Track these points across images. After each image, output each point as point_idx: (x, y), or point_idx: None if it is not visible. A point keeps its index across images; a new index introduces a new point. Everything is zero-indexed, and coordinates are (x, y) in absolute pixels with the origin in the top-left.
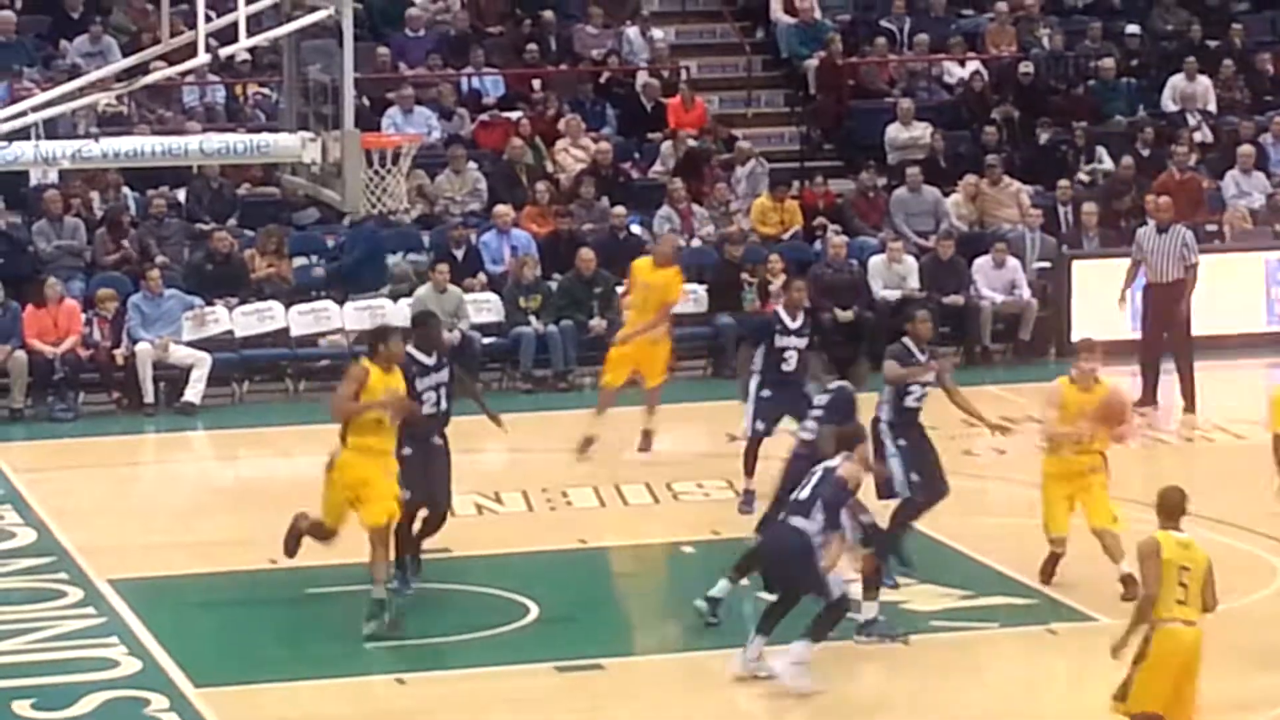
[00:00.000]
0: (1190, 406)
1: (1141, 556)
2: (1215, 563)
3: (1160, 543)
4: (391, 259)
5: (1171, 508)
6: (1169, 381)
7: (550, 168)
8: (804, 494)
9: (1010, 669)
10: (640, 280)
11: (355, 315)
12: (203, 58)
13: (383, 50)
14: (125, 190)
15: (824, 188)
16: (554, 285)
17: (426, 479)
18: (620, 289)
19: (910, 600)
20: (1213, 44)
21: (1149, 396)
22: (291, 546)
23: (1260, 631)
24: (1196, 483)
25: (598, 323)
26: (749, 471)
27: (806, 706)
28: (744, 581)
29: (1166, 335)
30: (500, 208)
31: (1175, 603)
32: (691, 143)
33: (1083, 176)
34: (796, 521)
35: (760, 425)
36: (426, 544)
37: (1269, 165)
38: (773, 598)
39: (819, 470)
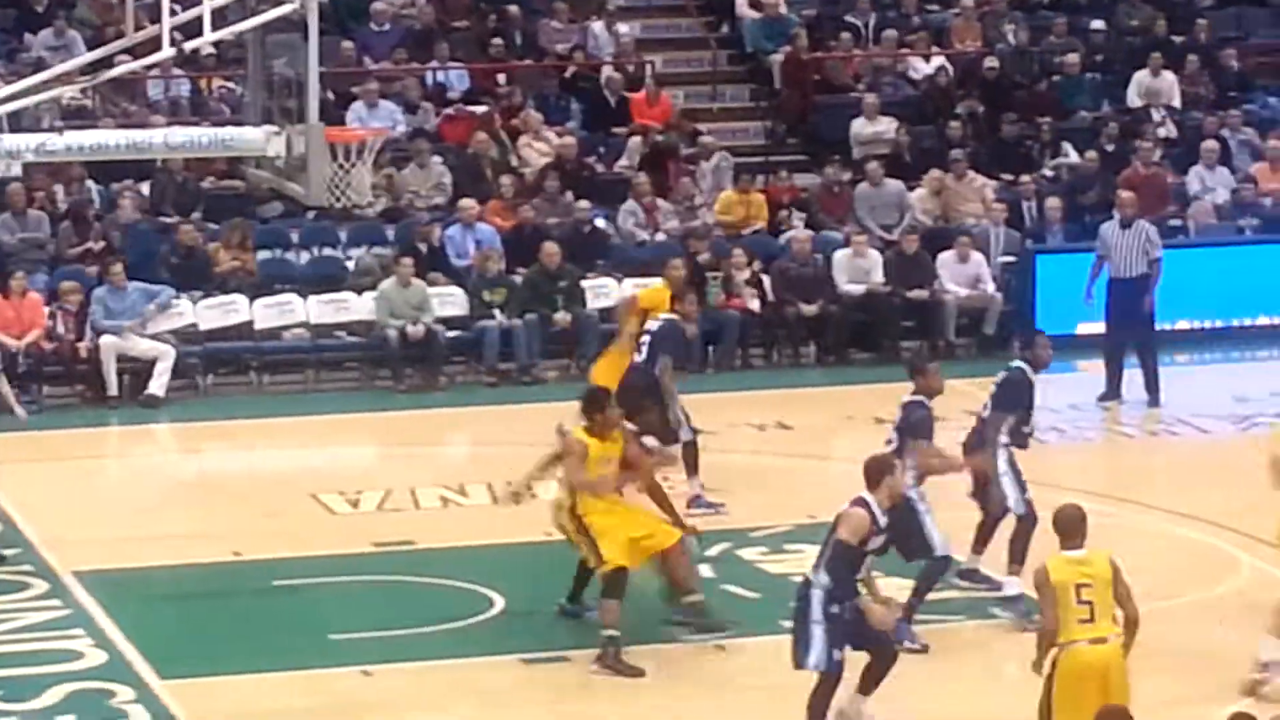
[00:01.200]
0: (1154, 401)
1: (1035, 586)
2: (1177, 557)
3: (1047, 568)
4: (356, 253)
5: (1067, 526)
6: (1133, 376)
7: (515, 162)
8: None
9: (976, 661)
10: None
11: (319, 308)
12: (167, 52)
13: (347, 44)
14: (89, 183)
15: (789, 182)
16: (518, 279)
17: None
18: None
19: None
20: (1177, 39)
21: (1113, 390)
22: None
23: (1220, 625)
24: (1160, 477)
25: (562, 316)
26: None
27: (769, 698)
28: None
29: (1130, 330)
30: (465, 201)
31: (1077, 623)
32: (657, 138)
33: (1047, 171)
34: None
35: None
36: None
37: (1233, 161)
38: None
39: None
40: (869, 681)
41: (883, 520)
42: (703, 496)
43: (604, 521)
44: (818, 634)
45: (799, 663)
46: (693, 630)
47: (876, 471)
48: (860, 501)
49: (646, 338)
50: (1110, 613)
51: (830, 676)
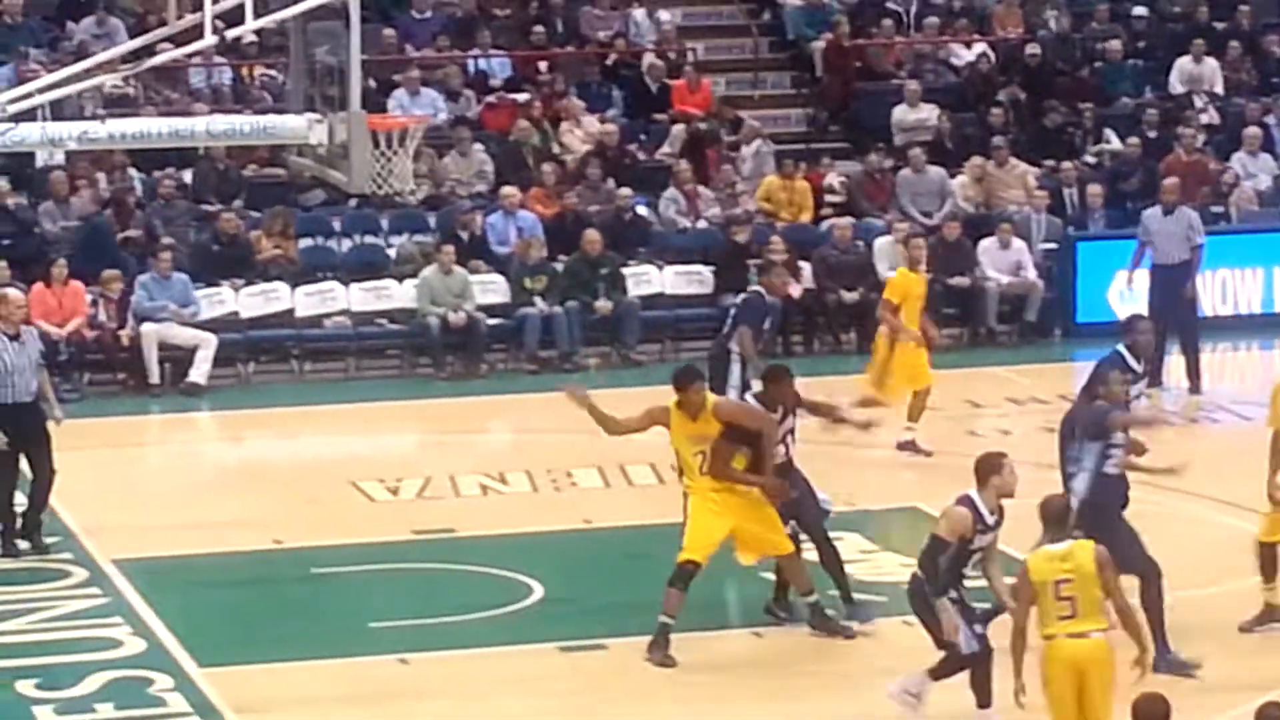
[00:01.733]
0: (1196, 387)
1: (1014, 582)
2: (1218, 544)
3: (1027, 566)
4: (397, 240)
5: (1052, 518)
6: (1175, 362)
7: (556, 149)
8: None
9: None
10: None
11: (360, 296)
12: (209, 39)
13: (389, 32)
14: (132, 172)
15: (830, 168)
16: (560, 266)
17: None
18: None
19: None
20: (1220, 26)
21: (1155, 377)
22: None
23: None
24: (1201, 463)
25: (603, 304)
26: None
27: (812, 684)
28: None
29: (1172, 316)
30: (506, 189)
31: (1058, 619)
32: (699, 125)
33: (1089, 158)
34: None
35: None
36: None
37: (1275, 147)
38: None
39: None
40: (943, 670)
41: (990, 519)
42: None
43: (699, 507)
44: (945, 620)
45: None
46: (818, 632)
47: (985, 470)
48: (965, 499)
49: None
50: (1096, 608)
51: (978, 656)
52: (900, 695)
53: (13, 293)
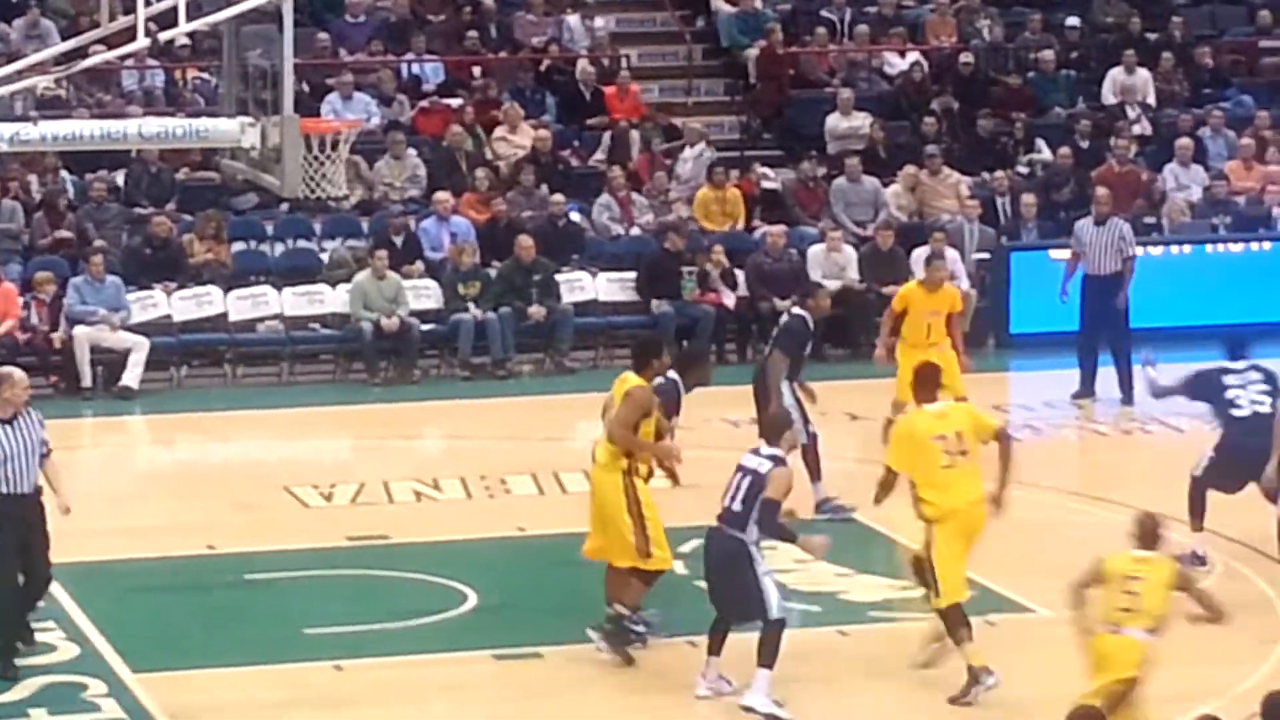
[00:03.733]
0: (1128, 399)
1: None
2: None
3: (1107, 558)
4: (330, 245)
5: (1141, 531)
6: (1107, 374)
7: (490, 155)
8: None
9: (949, 660)
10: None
11: (293, 300)
12: (142, 42)
13: (323, 36)
14: (63, 174)
15: (758, 175)
16: (493, 272)
17: None
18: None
19: (848, 591)
20: (1152, 37)
21: (1087, 388)
22: None
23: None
24: (1133, 475)
25: (536, 310)
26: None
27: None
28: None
29: (1104, 327)
30: (440, 194)
31: (1116, 610)
32: (633, 131)
33: (1021, 168)
34: (732, 531)
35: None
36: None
37: (1207, 158)
38: None
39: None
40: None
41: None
42: (831, 499)
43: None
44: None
45: None
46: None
47: (775, 429)
48: (779, 459)
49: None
50: (1152, 615)
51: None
52: (762, 703)
53: (18, 373)
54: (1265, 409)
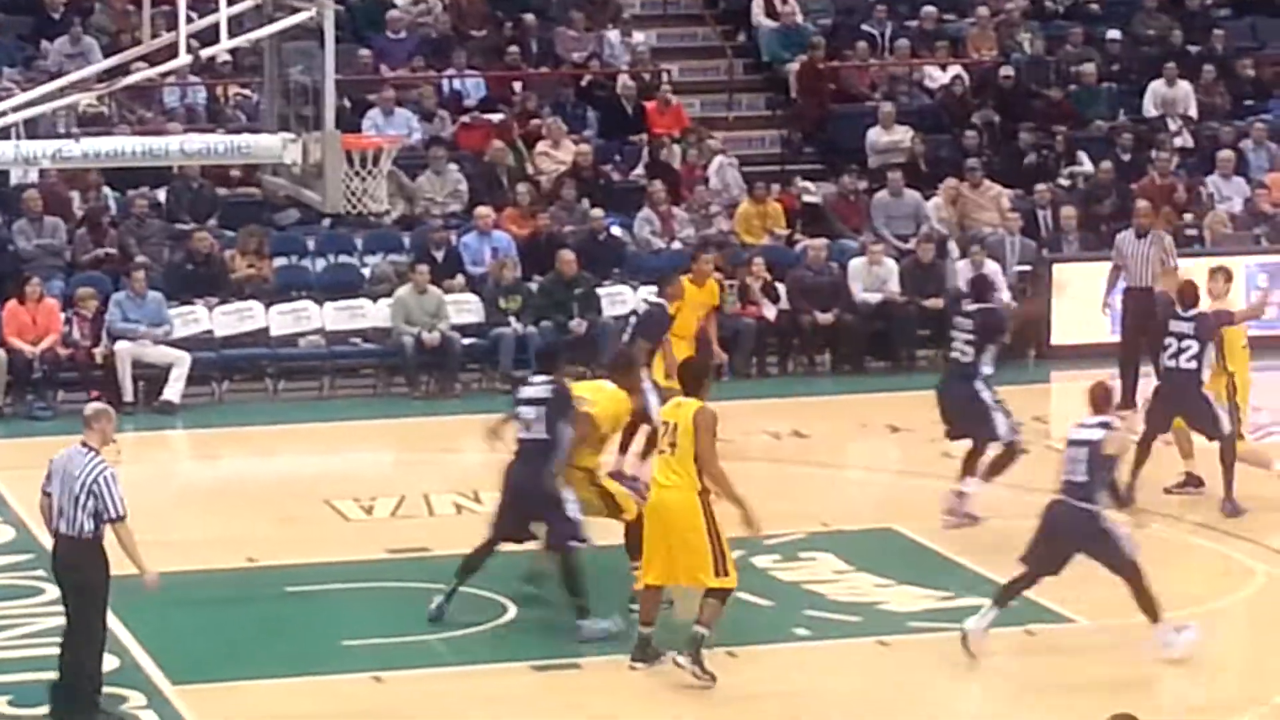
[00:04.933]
0: None
1: None
2: (1197, 567)
3: None
4: (372, 260)
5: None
6: (1147, 385)
7: (531, 170)
8: None
9: (988, 670)
10: None
11: (335, 315)
12: (184, 59)
13: (364, 52)
14: (105, 190)
15: (799, 189)
16: (534, 287)
17: None
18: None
19: (889, 601)
20: (1193, 49)
21: (1128, 399)
22: None
23: (1238, 633)
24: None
25: (577, 324)
26: None
27: (782, 706)
28: None
29: (1145, 338)
30: (481, 209)
31: None
32: (672, 145)
33: (1063, 180)
34: None
35: None
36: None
37: (1249, 170)
38: None
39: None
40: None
41: None
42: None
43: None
44: None
45: None
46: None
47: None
48: None
49: None
50: None
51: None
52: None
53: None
54: None
